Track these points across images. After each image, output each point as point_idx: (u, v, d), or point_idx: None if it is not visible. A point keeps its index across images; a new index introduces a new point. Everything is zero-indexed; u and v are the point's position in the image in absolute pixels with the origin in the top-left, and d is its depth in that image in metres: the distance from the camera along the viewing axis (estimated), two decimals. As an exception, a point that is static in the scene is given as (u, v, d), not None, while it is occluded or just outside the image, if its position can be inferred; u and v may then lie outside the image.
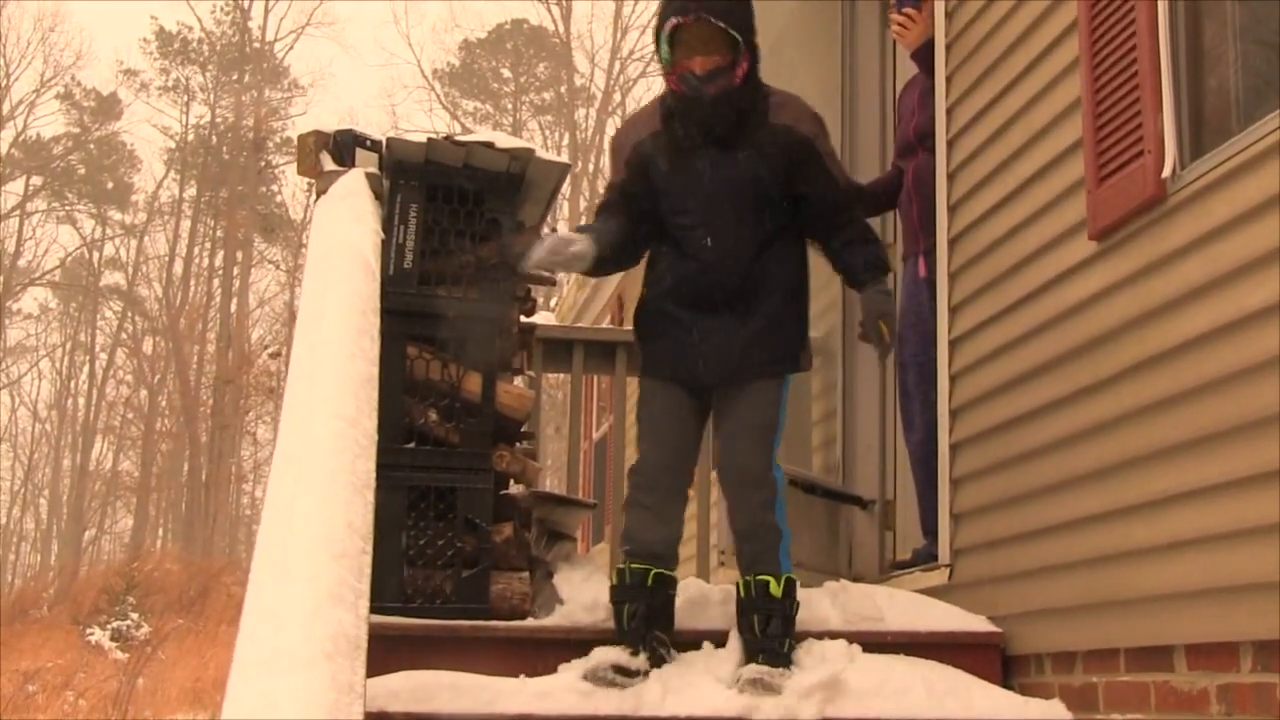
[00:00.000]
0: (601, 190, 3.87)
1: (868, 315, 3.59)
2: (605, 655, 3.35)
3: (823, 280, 5.51)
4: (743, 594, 3.49)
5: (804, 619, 3.69)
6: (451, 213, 3.89)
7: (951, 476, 4.20)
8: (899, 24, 4.73)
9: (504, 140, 3.92)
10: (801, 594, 3.96)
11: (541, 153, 3.96)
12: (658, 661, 3.40)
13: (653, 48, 3.63)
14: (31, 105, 39.35)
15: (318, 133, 4.03)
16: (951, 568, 4.14)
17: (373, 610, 2.30)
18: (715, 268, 3.56)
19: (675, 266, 3.63)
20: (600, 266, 3.67)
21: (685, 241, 3.60)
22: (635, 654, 3.36)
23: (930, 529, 4.44)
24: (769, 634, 3.42)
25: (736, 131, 3.54)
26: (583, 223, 3.77)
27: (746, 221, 3.57)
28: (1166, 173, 3.12)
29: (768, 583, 3.45)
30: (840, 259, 3.70)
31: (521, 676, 3.34)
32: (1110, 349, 3.36)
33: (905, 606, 3.91)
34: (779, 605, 3.45)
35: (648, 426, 3.63)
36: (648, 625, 3.44)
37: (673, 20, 3.45)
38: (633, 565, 3.49)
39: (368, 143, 4.00)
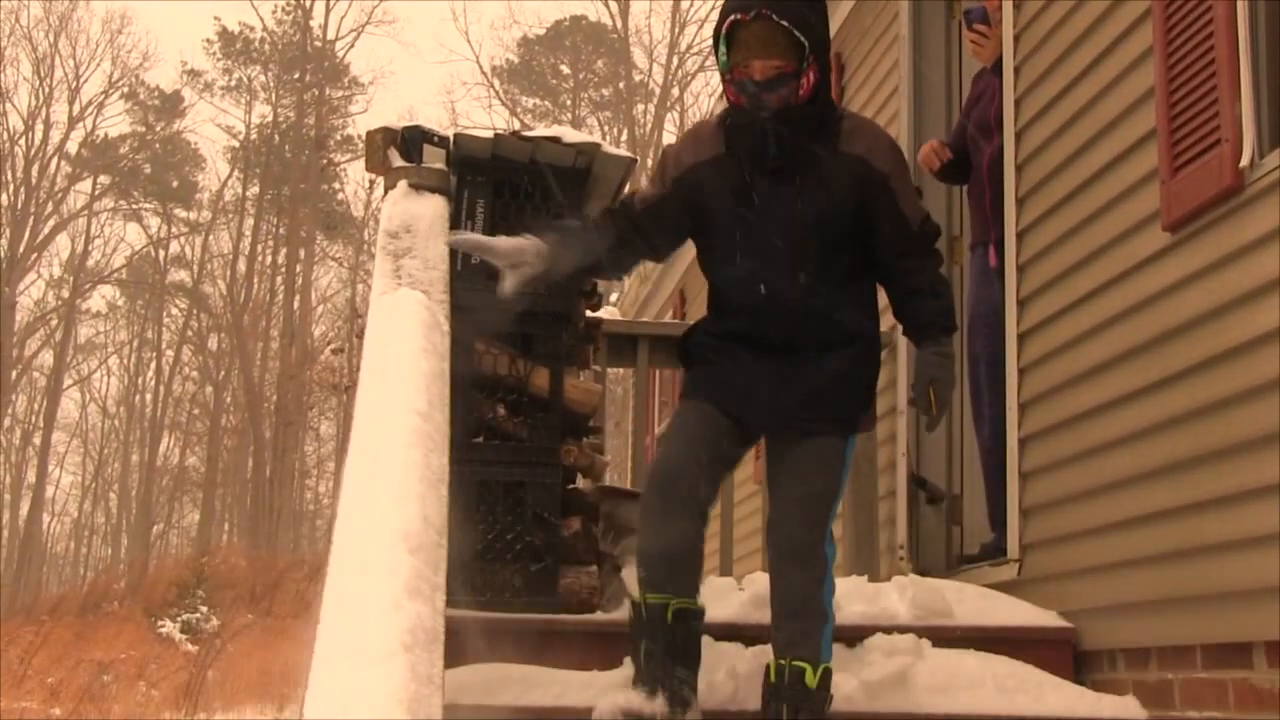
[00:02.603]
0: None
1: (919, 378, 3.20)
2: (617, 699, 3.04)
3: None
4: (773, 677, 3.03)
5: (872, 613, 3.68)
6: (518, 208, 3.90)
7: (1020, 471, 4.17)
8: (973, 40, 4.71)
9: (570, 135, 3.93)
10: (869, 588, 3.95)
11: (607, 147, 3.97)
12: (680, 704, 3.02)
13: (711, 50, 3.23)
14: (100, 106, 39.97)
15: (385, 129, 4.05)
16: (1020, 562, 4.10)
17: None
18: (771, 320, 3.13)
19: (730, 313, 3.23)
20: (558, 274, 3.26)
21: (738, 286, 3.18)
22: (653, 696, 3.02)
23: (998, 522, 4.41)
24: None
25: (800, 158, 3.09)
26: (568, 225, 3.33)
27: (808, 268, 3.11)
28: (1245, 162, 3.07)
29: (803, 671, 2.99)
30: (903, 309, 3.27)
31: (593, 670, 3.35)
32: (1183, 342, 3.32)
33: (974, 601, 3.89)
34: (812, 697, 2.99)
35: (676, 431, 3.23)
36: (668, 664, 3.05)
37: (732, 16, 3.03)
38: (649, 599, 3.08)
39: (435, 139, 4.01)
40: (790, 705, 2.98)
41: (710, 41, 3.31)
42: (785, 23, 3.01)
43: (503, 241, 3.24)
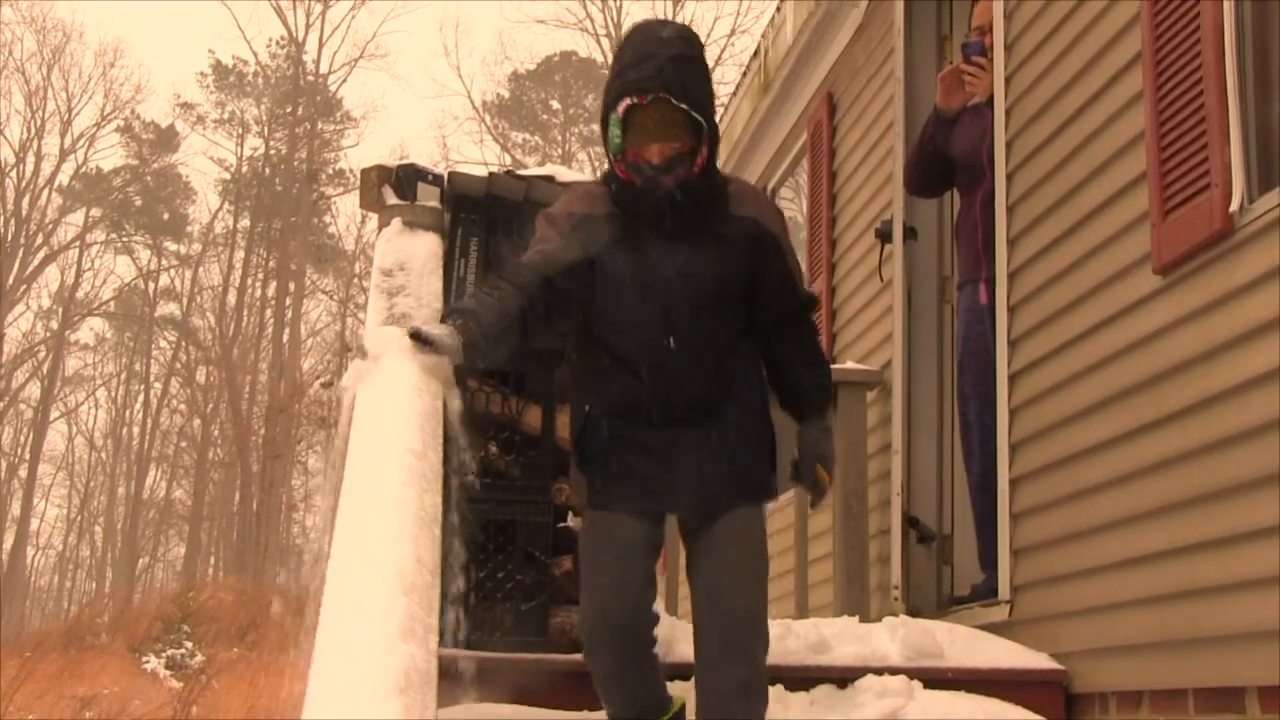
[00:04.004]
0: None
1: (805, 455, 3.11)
2: None
3: (882, 308, 5.51)
4: None
5: (864, 654, 3.67)
6: (512, 246, 3.90)
7: (1011, 511, 4.17)
8: (969, 74, 4.72)
9: (564, 174, 3.95)
10: (860, 628, 3.95)
11: (601, 187, 3.98)
12: None
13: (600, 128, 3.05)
14: (92, 139, 40.03)
15: (380, 167, 4.07)
16: (1012, 604, 4.10)
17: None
18: (677, 375, 2.98)
19: (622, 378, 3.01)
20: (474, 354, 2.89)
21: (636, 347, 3.00)
22: None
23: (989, 563, 4.40)
24: None
25: (695, 222, 2.99)
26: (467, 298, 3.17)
27: (708, 323, 3.01)
28: (1234, 206, 3.09)
29: None
30: (785, 379, 3.15)
31: (583, 711, 3.34)
32: (1175, 384, 3.33)
33: (965, 642, 3.88)
34: None
35: (605, 570, 2.95)
36: None
37: (626, 100, 2.88)
38: None
39: (429, 177, 4.03)
40: None
41: (599, 128, 3.09)
42: (684, 106, 2.89)
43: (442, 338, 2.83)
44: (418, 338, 2.77)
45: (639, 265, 2.99)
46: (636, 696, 3.04)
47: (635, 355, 3.00)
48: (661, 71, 2.88)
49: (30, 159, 38.70)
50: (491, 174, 3.92)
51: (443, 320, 2.89)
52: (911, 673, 3.57)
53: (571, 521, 3.97)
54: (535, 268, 2.96)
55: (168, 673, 17.86)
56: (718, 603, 2.94)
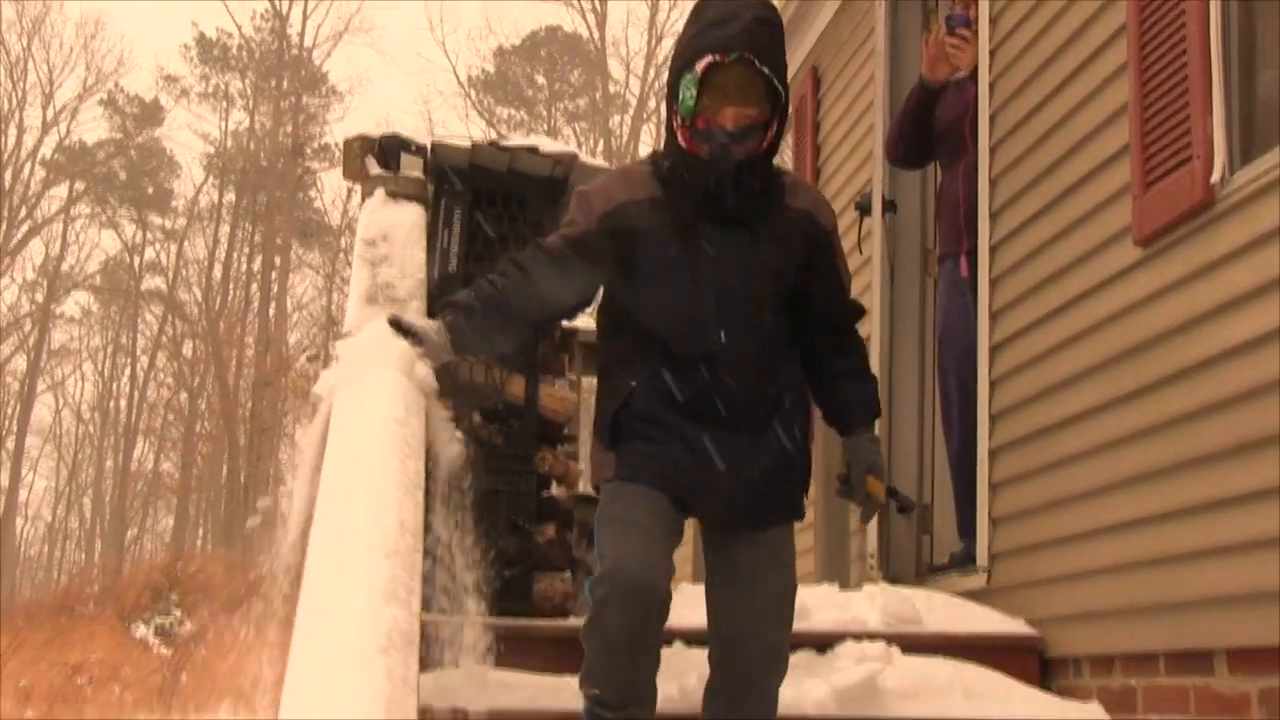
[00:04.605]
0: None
1: (857, 467, 2.87)
2: None
3: (865, 281, 5.51)
4: None
5: (843, 620, 3.69)
6: (495, 217, 3.90)
7: (990, 481, 4.18)
8: (953, 46, 4.70)
9: (548, 145, 3.94)
10: (841, 596, 3.97)
11: (585, 158, 3.97)
12: None
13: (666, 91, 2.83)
14: (74, 111, 39.72)
15: (363, 137, 4.05)
16: (989, 571, 4.12)
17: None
18: (728, 374, 2.73)
19: (673, 369, 2.75)
20: (466, 352, 2.88)
21: (684, 341, 2.75)
22: None
23: (967, 532, 4.42)
24: None
25: (755, 207, 2.78)
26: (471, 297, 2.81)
27: (764, 319, 2.79)
28: (1215, 178, 3.09)
29: None
30: (834, 389, 2.92)
31: (565, 675, 3.34)
32: (1154, 355, 3.34)
33: (943, 609, 3.91)
34: None
35: (624, 522, 2.69)
36: None
37: (708, 58, 2.67)
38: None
39: (413, 148, 4.01)
40: None
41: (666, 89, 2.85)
42: (766, 70, 2.69)
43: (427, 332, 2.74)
44: (398, 326, 2.64)
45: (690, 251, 2.74)
46: (632, 679, 2.70)
47: (682, 351, 2.74)
48: (749, 31, 2.69)
49: (12, 131, 38.41)
50: (475, 145, 3.90)
51: (435, 314, 2.76)
52: (890, 638, 3.59)
53: (555, 490, 3.97)
54: (555, 256, 2.77)
55: (157, 640, 17.88)
56: (749, 641, 2.74)
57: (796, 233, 2.83)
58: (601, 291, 2.91)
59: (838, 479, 2.91)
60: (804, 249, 2.84)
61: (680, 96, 2.71)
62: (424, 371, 2.67)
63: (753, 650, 2.75)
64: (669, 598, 2.68)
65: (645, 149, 33.90)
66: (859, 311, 3.01)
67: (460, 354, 2.71)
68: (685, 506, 2.77)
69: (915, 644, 3.61)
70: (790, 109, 2.92)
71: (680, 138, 2.74)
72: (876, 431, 2.97)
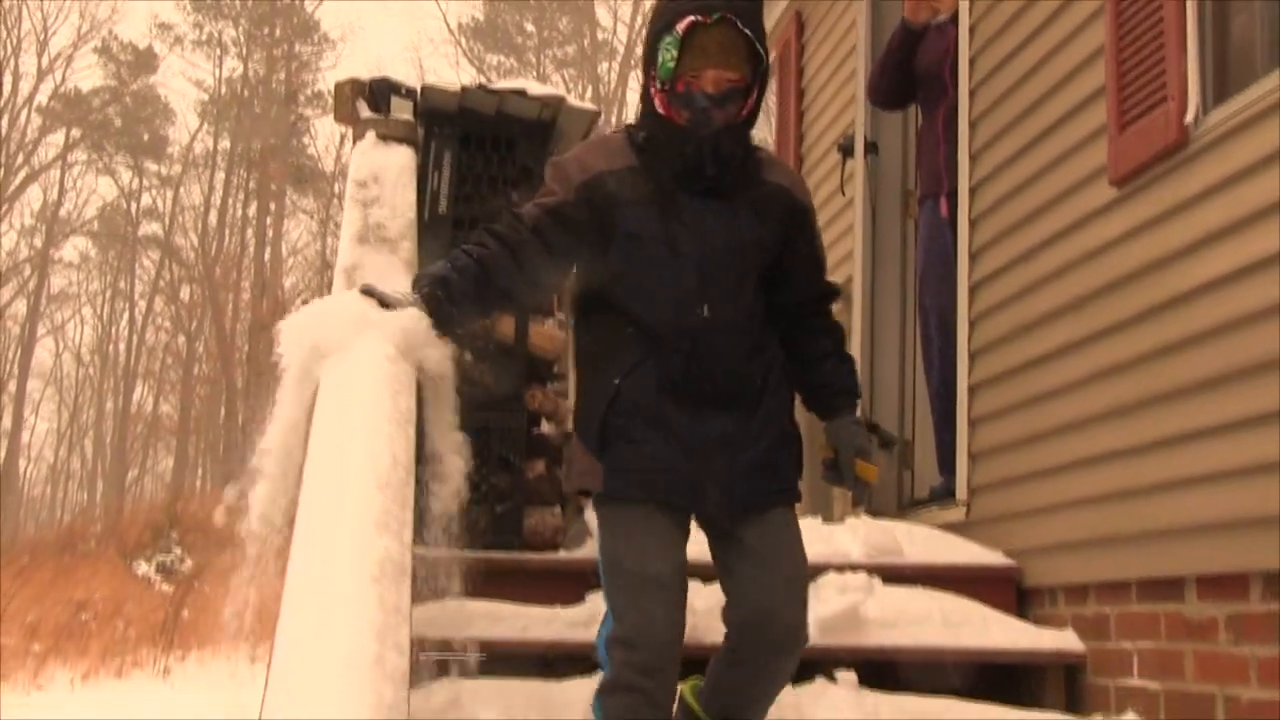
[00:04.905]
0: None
1: (845, 452, 2.72)
2: None
3: (848, 222, 5.49)
4: None
5: (826, 553, 3.71)
6: (485, 159, 3.88)
7: (970, 417, 4.20)
8: None
9: (535, 88, 3.91)
10: (824, 529, 3.99)
11: (572, 101, 3.94)
12: None
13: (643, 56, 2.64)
14: (69, 59, 39.28)
15: (354, 81, 4.01)
16: (968, 505, 4.14)
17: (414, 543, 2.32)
18: (714, 351, 2.55)
19: (649, 354, 2.55)
20: (444, 325, 2.57)
21: (666, 318, 2.55)
22: None
23: (947, 467, 4.44)
24: None
25: (734, 178, 2.61)
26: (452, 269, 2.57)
27: (747, 292, 2.62)
28: (1189, 118, 3.08)
29: None
30: (814, 371, 2.74)
31: (556, 606, 3.37)
32: (1128, 293, 3.34)
33: (923, 541, 3.93)
34: None
35: (639, 576, 2.49)
36: None
37: (690, 18, 2.51)
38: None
39: (403, 91, 3.97)
40: None
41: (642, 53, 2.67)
42: (749, 31, 2.54)
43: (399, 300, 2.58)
44: (372, 296, 2.51)
45: (670, 223, 2.57)
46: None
47: (664, 328, 2.55)
48: None
49: (8, 79, 37.99)
50: (464, 88, 3.87)
51: (413, 286, 2.58)
52: (872, 569, 3.61)
53: (545, 427, 3.97)
54: (532, 226, 2.57)
55: (158, 577, 17.97)
56: (769, 626, 2.56)
57: (775, 206, 2.66)
58: (573, 278, 2.73)
59: (823, 464, 2.77)
60: (782, 225, 2.66)
61: (659, 60, 2.56)
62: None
63: (775, 631, 2.57)
64: (679, 649, 2.52)
65: (632, 95, 33.74)
66: (836, 292, 2.86)
67: (440, 330, 2.51)
68: (690, 507, 2.61)
69: (896, 575, 3.64)
70: (770, 75, 2.75)
71: (658, 103, 2.58)
72: (859, 416, 2.82)
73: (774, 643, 2.58)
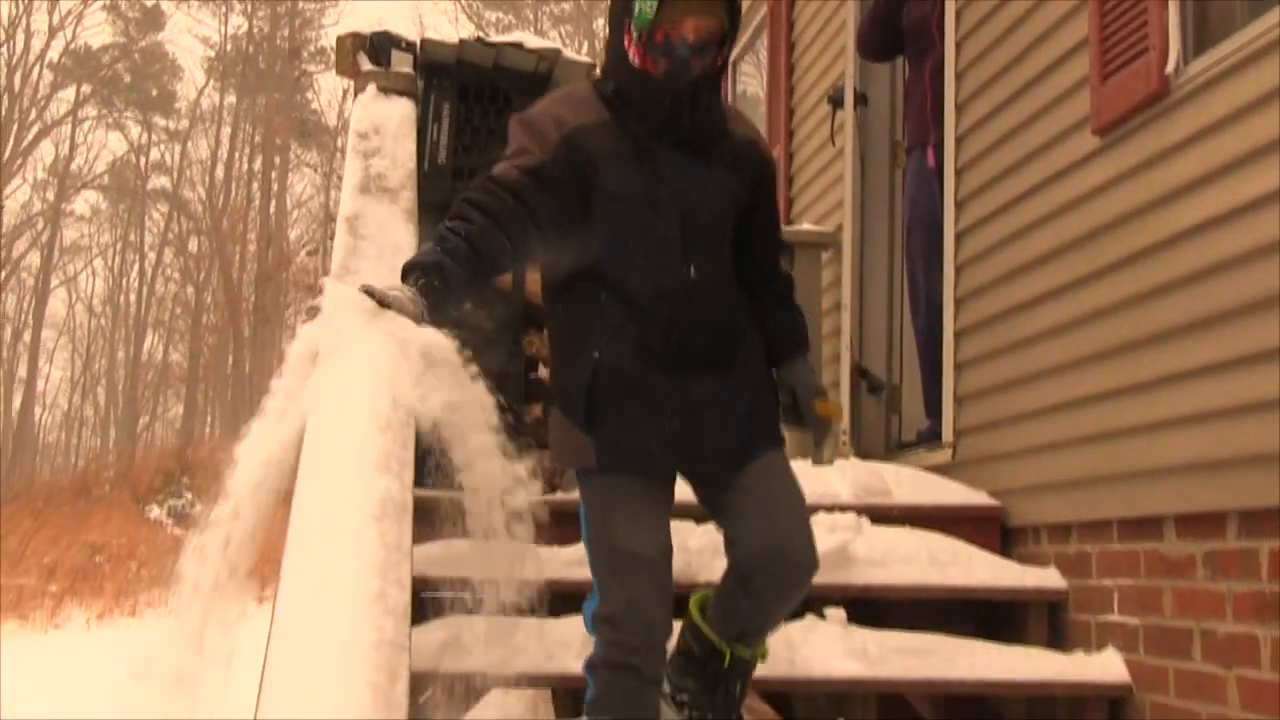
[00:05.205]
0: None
1: (803, 393, 2.64)
2: None
3: (837, 172, 5.47)
4: (727, 664, 2.60)
5: (816, 493, 3.71)
6: (483, 111, 3.87)
7: (955, 361, 4.20)
8: None
9: (532, 41, 3.89)
10: (813, 470, 3.98)
11: (568, 53, 3.93)
12: None
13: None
14: (79, 16, 38.92)
15: (355, 34, 3.99)
16: (954, 447, 4.15)
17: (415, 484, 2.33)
18: (701, 311, 2.45)
19: (632, 311, 2.43)
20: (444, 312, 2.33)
21: (650, 280, 2.43)
22: None
23: (934, 410, 4.45)
24: (737, 697, 2.66)
25: (710, 130, 2.51)
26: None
27: (724, 249, 2.53)
28: (1170, 68, 3.05)
29: (755, 653, 2.65)
30: (773, 318, 2.63)
31: (553, 546, 3.37)
32: (1111, 239, 3.33)
33: (911, 482, 3.93)
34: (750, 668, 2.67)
35: (626, 555, 2.41)
36: None
37: None
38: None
39: (402, 44, 3.96)
40: (741, 681, 2.65)
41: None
42: None
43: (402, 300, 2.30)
44: (371, 296, 2.31)
45: (651, 179, 2.44)
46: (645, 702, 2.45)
47: (646, 292, 2.43)
48: None
49: (20, 35, 37.68)
50: (462, 41, 3.85)
51: (402, 277, 2.33)
52: (860, 509, 3.62)
53: (542, 372, 3.97)
54: (514, 191, 2.38)
55: (170, 521, 18.05)
56: (781, 544, 2.48)
57: (745, 159, 2.57)
58: (545, 248, 2.50)
59: (781, 409, 2.65)
60: (750, 177, 2.57)
61: (637, 10, 2.42)
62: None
63: (789, 565, 2.50)
64: (669, 631, 2.48)
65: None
66: (788, 248, 2.78)
67: (437, 315, 2.28)
68: (684, 469, 2.54)
69: (884, 515, 3.65)
70: (741, 23, 2.59)
71: (633, 55, 2.45)
72: (810, 361, 2.73)
73: (789, 574, 2.50)
